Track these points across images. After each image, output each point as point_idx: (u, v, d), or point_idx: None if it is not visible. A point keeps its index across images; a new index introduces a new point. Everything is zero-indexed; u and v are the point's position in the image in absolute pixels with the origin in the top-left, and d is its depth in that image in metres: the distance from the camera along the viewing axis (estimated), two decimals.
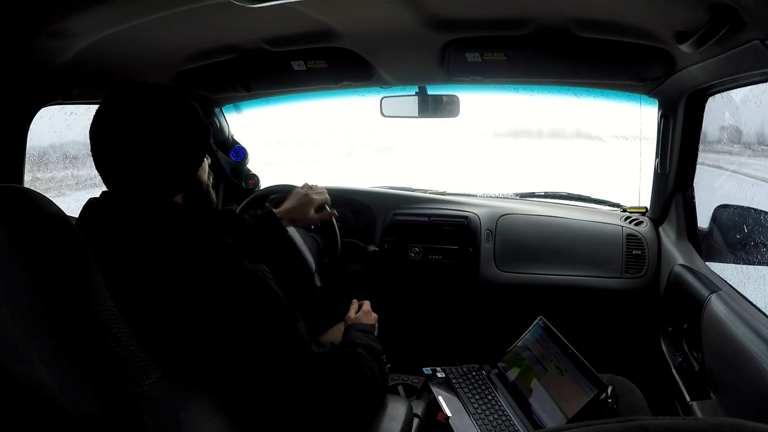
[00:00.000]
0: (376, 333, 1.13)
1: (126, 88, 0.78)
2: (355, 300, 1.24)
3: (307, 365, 0.81)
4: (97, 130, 0.77)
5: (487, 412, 1.23)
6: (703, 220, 1.38)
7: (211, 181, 0.90)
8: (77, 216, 0.80)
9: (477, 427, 1.18)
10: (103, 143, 0.77)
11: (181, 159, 0.80)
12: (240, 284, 0.76)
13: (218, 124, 1.86)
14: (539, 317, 1.34)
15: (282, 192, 1.60)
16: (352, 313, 1.18)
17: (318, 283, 1.47)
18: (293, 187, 1.57)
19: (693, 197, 1.40)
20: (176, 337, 0.72)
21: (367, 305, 1.22)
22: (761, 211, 1.17)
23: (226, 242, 0.79)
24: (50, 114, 1.43)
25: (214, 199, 0.90)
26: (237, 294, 0.75)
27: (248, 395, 0.77)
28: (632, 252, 1.53)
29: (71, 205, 1.25)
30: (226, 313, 0.74)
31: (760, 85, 1.01)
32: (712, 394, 1.02)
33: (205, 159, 0.87)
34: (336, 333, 1.25)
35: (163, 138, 0.77)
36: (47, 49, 0.98)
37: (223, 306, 0.74)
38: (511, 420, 1.21)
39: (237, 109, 1.92)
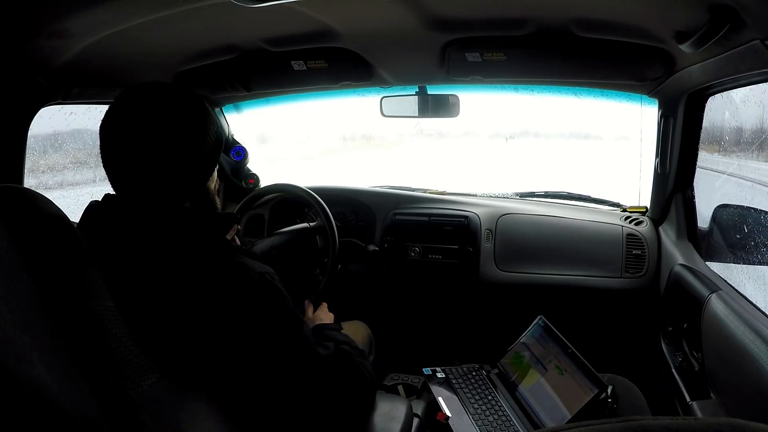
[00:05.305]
0: None
1: (144, 88, 0.75)
2: (307, 299, 1.26)
3: (314, 367, 0.80)
4: (109, 128, 0.73)
5: (487, 412, 1.23)
6: (704, 220, 1.38)
7: (216, 187, 0.88)
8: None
9: (477, 427, 1.18)
10: (116, 143, 0.73)
11: (196, 167, 0.77)
12: (247, 287, 0.75)
13: None
14: (539, 317, 1.34)
15: (278, 192, 1.60)
16: (309, 312, 1.19)
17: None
18: (291, 186, 1.57)
19: (693, 197, 1.40)
20: (179, 339, 0.71)
21: (324, 306, 1.23)
22: (761, 210, 1.17)
23: (231, 245, 0.78)
24: (50, 114, 1.43)
25: (219, 204, 0.88)
26: (244, 297, 0.74)
27: (251, 397, 0.77)
28: (632, 252, 1.53)
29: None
30: (232, 317, 0.74)
31: (760, 84, 1.01)
32: (712, 394, 1.02)
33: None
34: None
35: (182, 145, 0.74)
36: (47, 49, 0.98)
37: (230, 309, 0.73)
38: (511, 420, 1.21)
39: (237, 109, 1.92)
